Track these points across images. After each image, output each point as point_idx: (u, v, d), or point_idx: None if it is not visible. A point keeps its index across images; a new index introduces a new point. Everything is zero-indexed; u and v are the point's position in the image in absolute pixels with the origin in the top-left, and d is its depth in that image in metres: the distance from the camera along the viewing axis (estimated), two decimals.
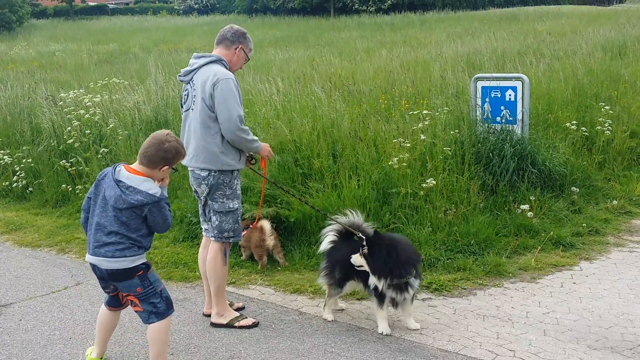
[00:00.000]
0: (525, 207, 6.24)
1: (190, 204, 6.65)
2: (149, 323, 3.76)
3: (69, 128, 8.72)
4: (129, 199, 3.58)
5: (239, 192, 4.59)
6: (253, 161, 4.79)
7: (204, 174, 4.45)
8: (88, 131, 8.66)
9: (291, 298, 5.13)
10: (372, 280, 4.35)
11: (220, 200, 4.49)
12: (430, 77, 10.48)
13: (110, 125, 8.57)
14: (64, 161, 8.37)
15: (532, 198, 6.40)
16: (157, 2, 63.00)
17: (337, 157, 6.83)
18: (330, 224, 4.81)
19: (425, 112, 7.40)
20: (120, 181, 3.63)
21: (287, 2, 48.01)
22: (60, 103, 9.57)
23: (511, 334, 4.35)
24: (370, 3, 44.62)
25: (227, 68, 4.50)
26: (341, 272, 4.57)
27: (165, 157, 3.72)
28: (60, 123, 9.05)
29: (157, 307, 3.75)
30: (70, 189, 8.11)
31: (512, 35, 18.79)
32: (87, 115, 8.91)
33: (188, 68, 4.52)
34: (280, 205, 6.26)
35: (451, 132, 6.98)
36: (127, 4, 64.76)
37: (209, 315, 4.71)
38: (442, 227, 5.96)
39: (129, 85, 10.80)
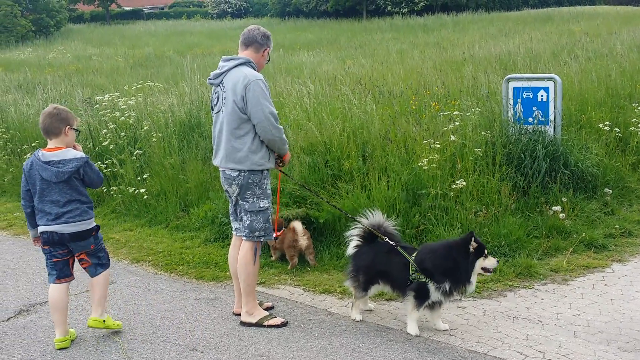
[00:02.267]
0: (557, 208, 6.16)
1: (221, 205, 6.74)
2: (97, 275, 4.54)
3: (105, 130, 8.91)
4: (66, 169, 4.30)
5: (269, 191, 4.65)
6: (281, 163, 4.82)
7: (234, 174, 4.52)
8: (123, 133, 8.84)
9: (320, 298, 5.17)
10: (438, 281, 4.32)
11: (251, 199, 4.56)
12: (462, 78, 10.42)
13: (145, 128, 8.74)
14: (99, 163, 8.55)
15: (564, 199, 6.32)
16: (191, 6, 63.73)
17: (367, 159, 6.85)
18: (353, 227, 4.83)
19: (455, 113, 7.37)
20: (49, 161, 4.31)
21: (320, 4, 48.12)
22: (96, 106, 9.79)
23: (541, 336, 4.32)
24: (403, 5, 44.42)
25: (255, 69, 4.58)
26: (365, 276, 4.62)
27: (61, 119, 4.37)
28: (96, 125, 9.26)
29: (102, 260, 4.58)
30: (105, 190, 8.28)
31: (546, 36, 18.56)
32: (122, 118, 9.10)
33: (217, 71, 4.60)
34: (310, 207, 6.31)
35: (482, 133, 6.94)
36: (162, 8, 65.72)
37: (239, 314, 4.77)
38: (473, 228, 5.92)
39: (163, 88, 10.99)
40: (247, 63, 4.55)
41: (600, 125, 7.58)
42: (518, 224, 5.98)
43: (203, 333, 4.59)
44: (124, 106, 9.44)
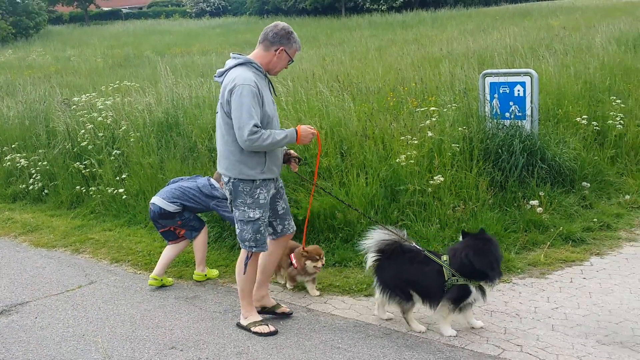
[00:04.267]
0: (535, 202, 6.22)
1: None
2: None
3: (83, 131, 8.84)
4: None
5: (262, 201, 4.32)
6: (298, 162, 4.54)
7: (225, 179, 4.36)
8: (101, 134, 8.77)
9: (299, 295, 5.17)
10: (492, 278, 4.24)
11: (242, 208, 4.33)
12: (440, 74, 10.46)
13: (123, 128, 8.68)
14: (78, 163, 8.48)
15: (541, 194, 6.38)
16: (169, 5, 63.34)
17: (345, 155, 6.86)
18: (369, 237, 4.49)
19: (433, 109, 7.40)
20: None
21: (299, 2, 48.07)
22: (73, 107, 9.71)
23: (519, 329, 4.36)
24: (382, 1, 44.51)
25: (258, 70, 4.27)
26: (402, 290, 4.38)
27: None
28: (75, 126, 9.18)
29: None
30: (84, 190, 8.21)
31: (524, 31, 18.67)
32: (99, 118, 9.03)
33: (221, 69, 4.37)
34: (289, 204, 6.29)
35: (459, 129, 6.98)
36: (141, 8, 65.22)
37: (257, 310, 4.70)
38: (451, 224, 5.97)
39: (140, 87, 10.91)
40: (247, 64, 4.26)
41: (578, 119, 7.65)
42: (496, 219, 6.02)
43: (182, 331, 4.58)
44: (102, 106, 9.36)
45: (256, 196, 4.30)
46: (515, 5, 39.28)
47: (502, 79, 7.05)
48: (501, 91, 7.07)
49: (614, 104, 8.16)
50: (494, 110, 7.07)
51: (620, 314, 4.51)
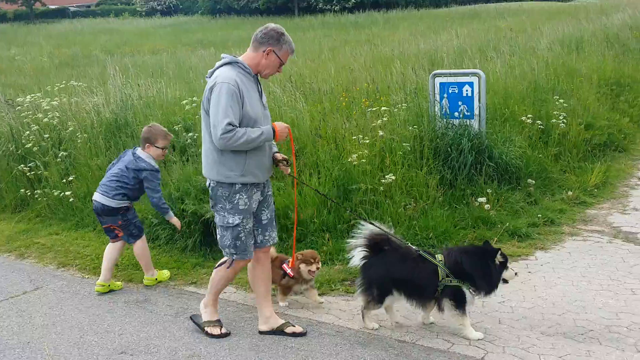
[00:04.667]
0: (483, 199, 6.36)
1: (150, 206, 6.60)
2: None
3: (27, 132, 8.59)
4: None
5: (242, 207, 4.15)
6: (287, 163, 4.33)
7: (207, 182, 4.27)
8: (47, 135, 8.54)
9: (252, 296, 5.13)
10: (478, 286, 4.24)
11: (221, 213, 4.19)
12: (391, 74, 10.58)
13: (70, 129, 8.47)
14: (22, 166, 8.25)
15: (489, 191, 6.53)
16: (119, 4, 62.15)
17: (298, 156, 6.87)
18: (357, 236, 4.46)
19: (384, 108, 7.49)
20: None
21: (251, 2, 47.86)
22: (18, 107, 9.43)
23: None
24: (335, 2, 44.72)
25: (245, 71, 4.12)
26: (379, 290, 4.34)
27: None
28: (19, 127, 8.92)
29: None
30: (29, 193, 7.99)
31: (473, 32, 19.04)
32: (45, 119, 8.79)
33: (211, 69, 4.22)
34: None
35: (410, 128, 7.08)
36: (89, 6, 63.71)
37: (263, 332, 4.47)
38: (402, 222, 6.04)
39: (87, 87, 10.67)
40: (232, 64, 4.12)
41: (523, 118, 7.86)
42: (445, 216, 6.13)
43: (132, 336, 4.51)
44: (48, 107, 9.12)
45: (235, 201, 4.13)
46: (465, 7, 40.05)
47: (451, 80, 7.18)
48: (450, 91, 7.20)
49: (557, 103, 8.42)
50: (444, 109, 7.19)
51: (563, 306, 4.65)
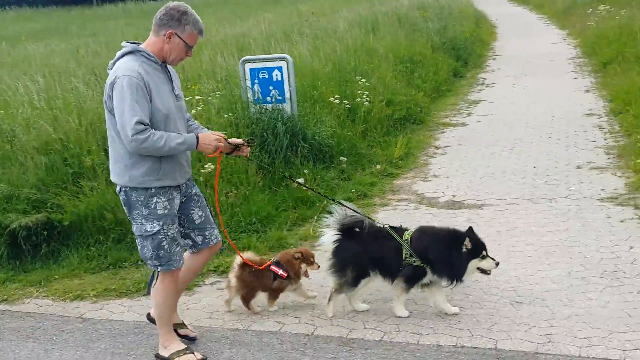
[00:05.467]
0: (301, 180, 6.57)
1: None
2: None
3: None
4: None
5: (161, 212, 3.68)
6: (248, 144, 4.00)
7: (117, 188, 3.77)
8: None
9: (72, 305, 4.84)
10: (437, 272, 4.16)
11: (139, 221, 3.71)
12: (201, 62, 10.46)
13: None
14: None
15: (306, 171, 6.77)
16: None
17: None
18: (331, 219, 4.38)
19: (197, 97, 7.40)
20: None
21: None
22: None
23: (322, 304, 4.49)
24: None
25: (149, 59, 3.65)
26: (354, 271, 4.27)
27: None
28: None
29: None
30: None
31: (277, 17, 19.41)
32: None
33: (113, 60, 3.71)
34: (51, 210, 5.85)
35: (225, 116, 7.08)
36: None
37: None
38: (225, 210, 6.05)
39: None
40: (134, 52, 3.64)
41: (331, 98, 8.23)
42: (267, 200, 6.26)
43: None
44: None
45: (152, 206, 3.67)
46: None
47: (260, 65, 7.30)
48: (261, 76, 7.31)
49: (359, 83, 8.92)
50: (256, 95, 7.29)
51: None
